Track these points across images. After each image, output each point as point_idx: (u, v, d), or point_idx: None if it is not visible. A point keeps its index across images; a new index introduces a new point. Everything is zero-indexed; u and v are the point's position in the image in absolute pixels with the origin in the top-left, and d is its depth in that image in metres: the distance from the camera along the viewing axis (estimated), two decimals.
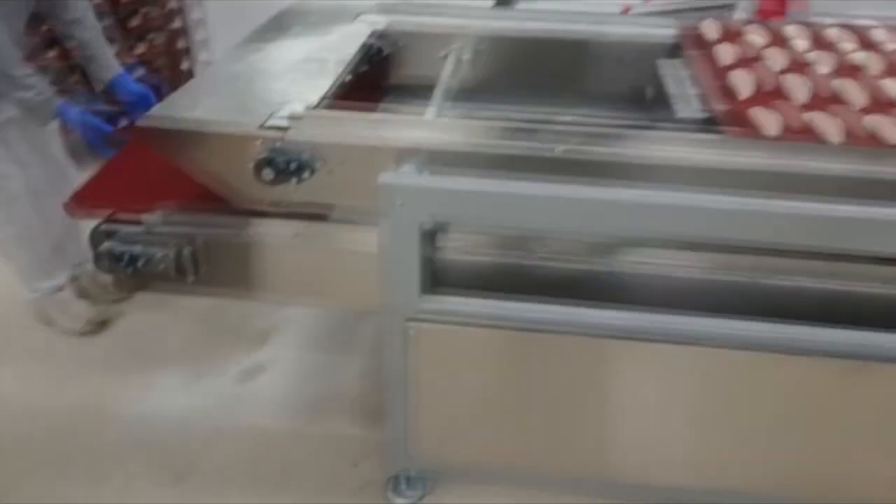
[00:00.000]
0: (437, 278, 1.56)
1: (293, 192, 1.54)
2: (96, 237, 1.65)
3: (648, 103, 2.06)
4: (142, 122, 1.56)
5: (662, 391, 1.60)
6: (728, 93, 1.68)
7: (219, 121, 1.56)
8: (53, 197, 2.09)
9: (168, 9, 3.58)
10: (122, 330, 2.39)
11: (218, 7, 3.62)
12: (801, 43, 1.94)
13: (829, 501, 1.65)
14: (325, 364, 2.20)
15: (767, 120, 1.52)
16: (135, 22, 3.36)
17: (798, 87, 1.67)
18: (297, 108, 1.58)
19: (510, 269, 1.57)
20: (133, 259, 1.63)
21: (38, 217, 2.25)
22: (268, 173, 1.51)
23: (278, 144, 1.51)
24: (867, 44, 1.93)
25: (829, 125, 1.50)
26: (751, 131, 1.50)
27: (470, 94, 2.07)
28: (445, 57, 2.08)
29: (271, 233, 1.62)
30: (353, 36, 2.06)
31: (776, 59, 1.83)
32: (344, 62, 1.89)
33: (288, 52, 1.95)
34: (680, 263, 1.54)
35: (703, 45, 1.96)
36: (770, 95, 1.66)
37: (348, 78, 1.85)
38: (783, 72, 1.76)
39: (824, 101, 1.63)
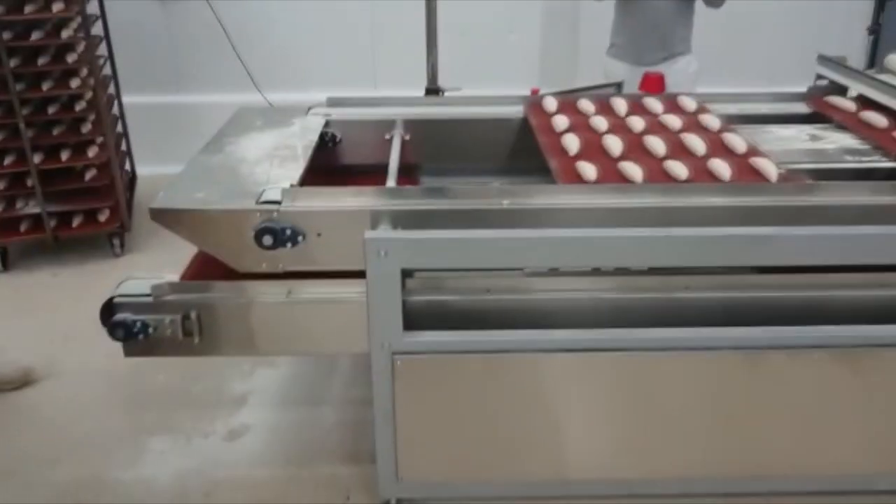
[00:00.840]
0: (415, 318, 1.86)
1: (288, 254, 1.83)
2: (107, 310, 1.87)
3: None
4: (156, 205, 1.82)
5: (610, 395, 1.93)
6: (561, 151, 2.15)
7: (221, 200, 1.85)
8: None
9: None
10: (100, 401, 2.54)
11: None
12: (621, 110, 2.48)
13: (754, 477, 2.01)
14: (303, 417, 2.42)
15: (588, 170, 2.00)
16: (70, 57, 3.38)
17: (614, 144, 2.16)
18: (285, 184, 1.89)
19: (475, 306, 1.89)
20: (144, 326, 1.86)
21: None
22: (267, 240, 1.80)
23: (274, 215, 1.80)
24: (674, 109, 2.50)
25: (635, 171, 1.98)
26: (577, 180, 1.97)
27: (414, 167, 2.51)
28: (390, 139, 2.46)
29: (267, 293, 1.88)
30: (310, 127, 2.41)
31: (600, 123, 2.34)
32: (309, 147, 2.23)
33: (260, 142, 2.26)
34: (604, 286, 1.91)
35: (544, 116, 2.47)
36: (593, 151, 2.15)
37: (315, 159, 2.18)
38: (604, 133, 2.27)
39: (634, 153, 2.13)
